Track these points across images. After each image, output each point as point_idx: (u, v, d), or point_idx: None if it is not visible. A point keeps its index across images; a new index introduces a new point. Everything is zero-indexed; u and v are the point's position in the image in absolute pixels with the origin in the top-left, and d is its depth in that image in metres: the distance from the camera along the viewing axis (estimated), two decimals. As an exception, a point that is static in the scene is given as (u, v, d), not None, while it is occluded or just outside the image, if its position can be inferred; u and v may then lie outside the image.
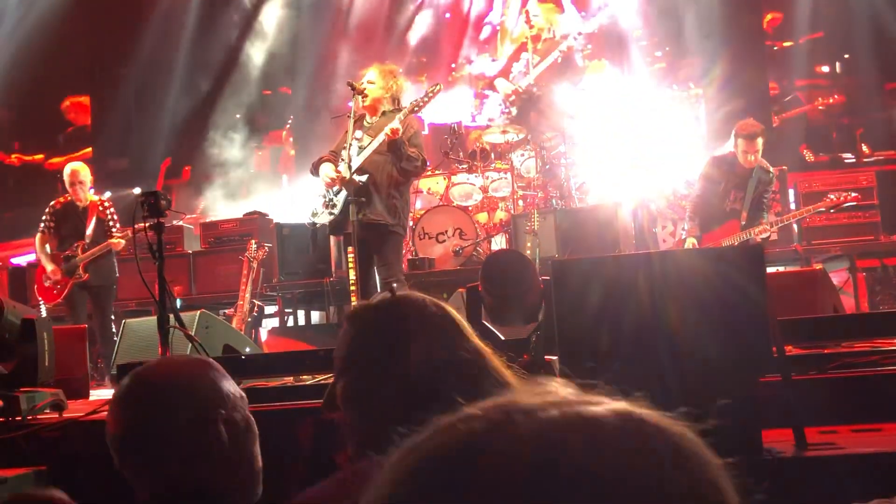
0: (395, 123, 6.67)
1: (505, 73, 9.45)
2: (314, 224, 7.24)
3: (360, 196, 6.74)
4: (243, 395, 2.01)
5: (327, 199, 6.97)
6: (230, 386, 2.00)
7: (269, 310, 9.24)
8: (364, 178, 6.77)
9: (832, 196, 7.70)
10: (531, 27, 9.07)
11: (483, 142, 9.71)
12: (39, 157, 11.79)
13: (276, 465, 2.17)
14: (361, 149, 6.87)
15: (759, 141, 7.54)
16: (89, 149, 11.86)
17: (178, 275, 8.93)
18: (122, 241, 8.06)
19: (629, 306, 3.26)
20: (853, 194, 7.73)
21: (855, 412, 3.66)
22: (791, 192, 8.85)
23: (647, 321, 3.22)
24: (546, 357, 4.09)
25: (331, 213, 6.91)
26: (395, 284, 6.44)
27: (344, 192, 6.78)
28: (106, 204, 8.34)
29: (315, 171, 7.12)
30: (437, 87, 7.08)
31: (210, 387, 1.95)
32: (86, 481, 3.96)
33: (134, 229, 4.08)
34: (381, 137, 6.73)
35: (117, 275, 8.37)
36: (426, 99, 6.93)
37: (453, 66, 13.36)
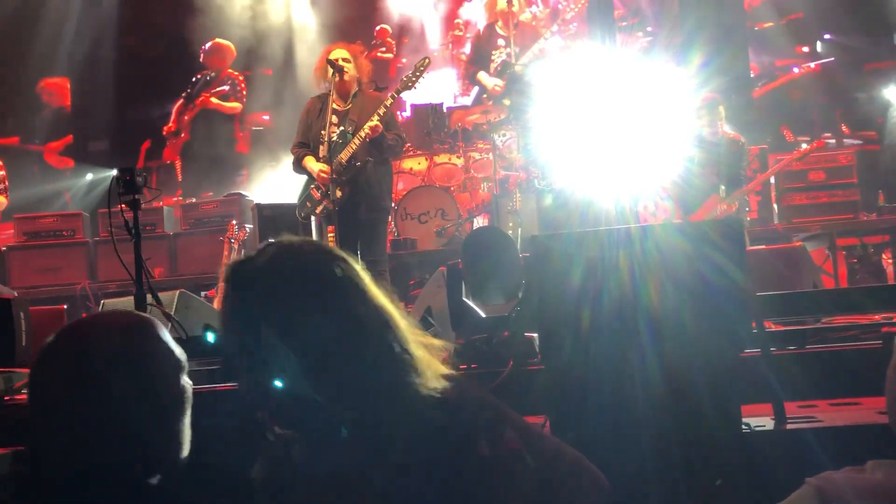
0: (374, 121, 6.70)
1: (476, 60, 9.43)
2: (309, 217, 7.22)
3: (361, 181, 6.78)
4: (184, 362, 1.84)
5: (324, 191, 6.93)
6: (169, 348, 1.83)
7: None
8: (365, 161, 6.78)
9: (805, 145, 7.86)
10: (511, 6, 9.04)
11: (467, 121, 9.69)
12: (14, 139, 11.65)
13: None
14: (344, 133, 6.85)
15: (720, 108, 7.64)
16: (69, 136, 11.77)
17: (159, 256, 8.88)
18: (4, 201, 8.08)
19: (609, 282, 3.25)
20: (818, 141, 7.86)
21: (834, 387, 3.68)
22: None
23: (627, 297, 3.22)
24: (526, 334, 4.09)
25: (330, 202, 6.84)
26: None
27: (337, 181, 6.77)
28: None
29: (299, 167, 7.12)
30: (426, 61, 7.12)
31: (149, 347, 1.79)
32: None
33: (109, 209, 4.03)
34: (373, 119, 6.76)
35: None
36: (417, 75, 6.96)
37: (434, 48, 13.32)
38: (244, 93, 10.42)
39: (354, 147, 6.79)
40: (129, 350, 1.75)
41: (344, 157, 6.79)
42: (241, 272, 1.83)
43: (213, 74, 10.46)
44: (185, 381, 1.83)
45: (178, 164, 10.59)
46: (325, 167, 6.80)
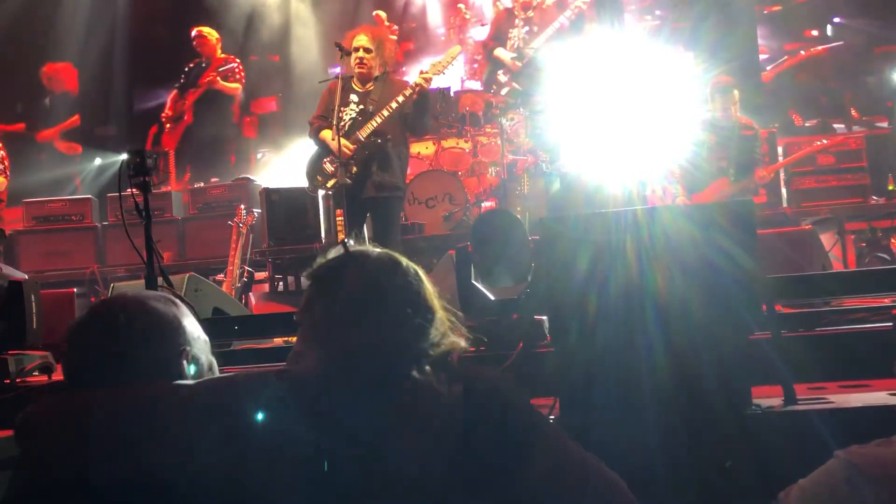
0: (422, 78, 6.75)
1: (497, 38, 9.37)
2: (317, 189, 7.23)
3: (377, 158, 6.79)
4: (207, 339, 2.00)
5: (339, 164, 6.91)
6: (194, 326, 1.98)
7: (259, 275, 9.22)
8: (386, 138, 6.80)
9: (819, 143, 7.83)
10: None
11: (473, 107, 9.67)
12: (20, 125, 11.63)
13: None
14: (365, 113, 6.85)
15: (734, 93, 7.61)
16: (76, 116, 11.73)
17: (168, 241, 8.91)
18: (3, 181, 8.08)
19: (617, 264, 3.25)
20: (836, 138, 7.84)
21: (843, 369, 3.67)
22: (780, 155, 8.84)
23: (635, 279, 3.21)
24: (535, 317, 4.09)
25: (347, 177, 6.84)
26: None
27: (358, 156, 6.78)
28: None
29: (315, 136, 7.11)
30: (458, 50, 7.16)
31: (173, 321, 1.93)
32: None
33: (120, 192, 4.04)
34: (398, 99, 6.78)
35: None
36: (448, 61, 6.99)
37: (441, 31, 13.29)
38: (242, 74, 10.42)
39: (376, 124, 6.80)
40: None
41: (363, 133, 6.80)
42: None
43: (206, 61, 10.48)
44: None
45: (171, 153, 10.59)
46: (347, 143, 6.79)
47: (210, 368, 1.99)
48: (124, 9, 12.34)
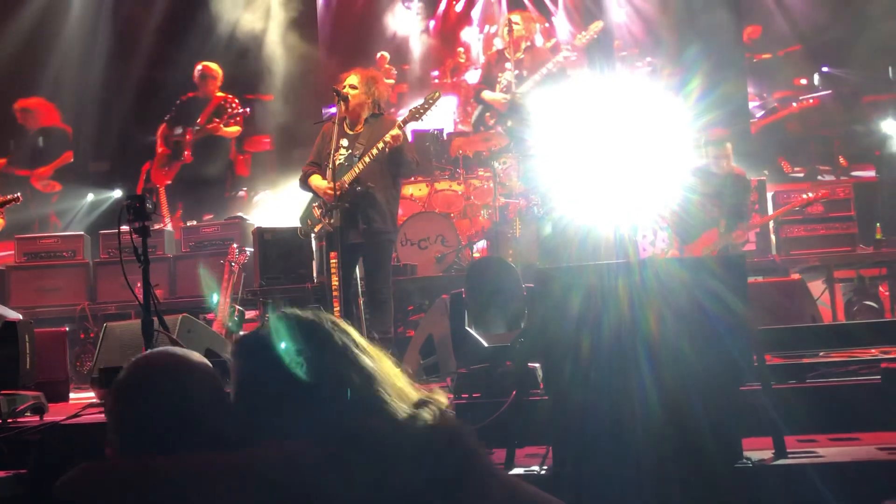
0: (396, 130, 6.69)
1: (486, 81, 9.48)
2: (309, 235, 7.27)
3: (362, 205, 6.77)
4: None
5: (325, 210, 6.94)
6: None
7: (250, 314, 9.22)
8: (366, 186, 6.78)
9: (805, 195, 7.91)
10: (512, 34, 9.09)
11: (466, 150, 9.75)
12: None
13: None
14: (353, 157, 6.86)
15: (727, 146, 7.71)
16: (68, 153, 11.60)
17: (159, 278, 8.90)
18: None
19: (611, 315, 3.28)
20: (823, 191, 7.92)
21: (833, 421, 3.71)
22: (769, 203, 8.93)
23: (628, 329, 3.25)
24: (529, 364, 4.12)
25: (330, 224, 6.86)
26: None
27: (342, 203, 6.75)
28: None
29: (305, 184, 7.14)
30: (437, 95, 7.06)
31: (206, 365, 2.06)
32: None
33: (119, 233, 4.07)
34: (378, 146, 6.74)
35: None
36: (426, 106, 6.92)
37: (435, 74, 13.42)
38: (242, 117, 10.42)
39: (358, 171, 6.80)
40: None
41: (347, 179, 6.80)
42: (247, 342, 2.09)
43: (204, 97, 10.47)
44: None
45: (162, 190, 10.55)
46: (331, 185, 6.78)
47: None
48: (116, 45, 12.36)
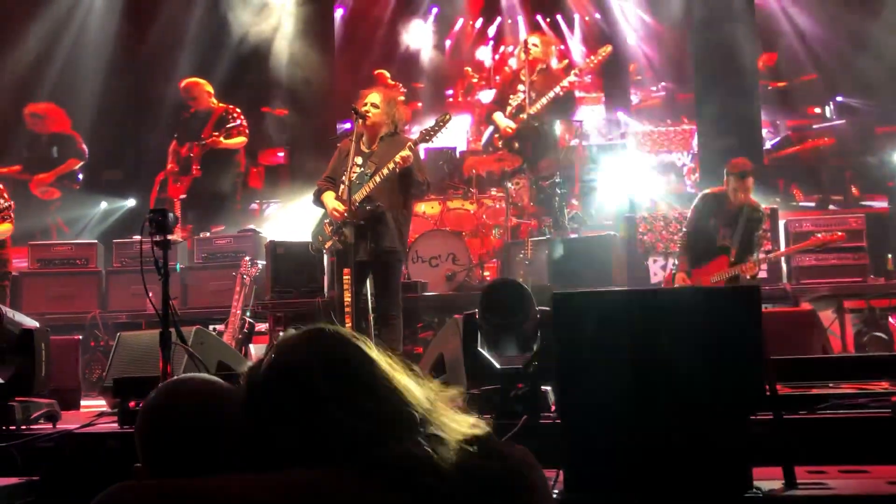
0: (406, 152, 6.74)
1: (500, 102, 9.52)
2: (320, 251, 7.30)
3: (372, 224, 6.81)
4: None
5: (335, 228, 6.99)
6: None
7: (260, 327, 9.26)
8: (375, 206, 6.81)
9: (820, 234, 7.91)
10: (528, 55, 9.12)
11: (478, 170, 9.80)
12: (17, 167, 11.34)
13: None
14: (364, 175, 6.91)
15: (750, 180, 7.74)
16: (71, 160, 11.43)
17: (171, 289, 8.91)
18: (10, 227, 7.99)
19: (625, 341, 3.31)
20: (839, 233, 7.91)
21: (843, 453, 3.72)
22: (781, 231, 8.95)
23: (642, 356, 3.27)
24: (542, 387, 4.14)
25: (340, 242, 6.91)
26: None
27: (353, 221, 6.77)
28: None
29: (318, 200, 7.19)
30: (447, 117, 7.11)
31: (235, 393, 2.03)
32: (77, 493, 3.98)
33: (141, 245, 4.12)
34: (389, 166, 6.79)
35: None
36: (437, 128, 6.98)
37: (449, 93, 13.50)
38: (244, 127, 10.15)
39: (369, 189, 6.84)
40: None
41: (358, 198, 6.84)
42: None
43: (205, 112, 10.28)
44: None
45: (177, 203, 10.48)
46: (340, 206, 6.84)
47: None
48: (131, 54, 12.44)
